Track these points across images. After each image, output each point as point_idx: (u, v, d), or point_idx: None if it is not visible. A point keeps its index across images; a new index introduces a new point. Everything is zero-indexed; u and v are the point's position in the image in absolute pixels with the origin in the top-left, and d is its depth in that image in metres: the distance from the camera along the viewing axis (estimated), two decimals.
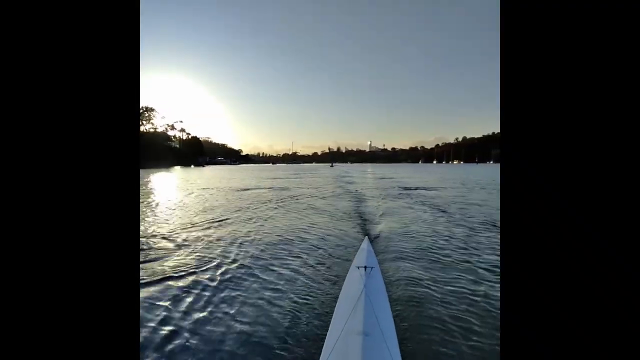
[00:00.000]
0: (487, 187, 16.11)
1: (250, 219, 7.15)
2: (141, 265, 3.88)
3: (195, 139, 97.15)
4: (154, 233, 5.69)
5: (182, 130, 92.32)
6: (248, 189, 15.03)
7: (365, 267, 2.47)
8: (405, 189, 14.99)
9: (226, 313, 2.63)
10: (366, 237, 4.36)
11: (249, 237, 5.43)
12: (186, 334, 2.33)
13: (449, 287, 3.15)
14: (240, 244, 4.96)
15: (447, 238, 5.32)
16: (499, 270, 3.50)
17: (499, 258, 3.94)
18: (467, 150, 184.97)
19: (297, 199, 10.84)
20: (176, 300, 2.91)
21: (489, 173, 34.30)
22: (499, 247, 4.49)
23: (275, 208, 8.81)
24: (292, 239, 5.27)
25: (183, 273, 3.59)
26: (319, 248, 4.68)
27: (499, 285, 3.03)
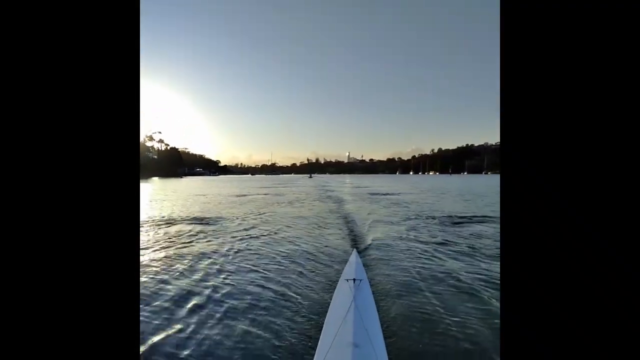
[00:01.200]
0: (443, 192, 19.82)
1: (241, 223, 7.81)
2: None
3: (174, 149, 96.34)
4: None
5: (161, 141, 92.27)
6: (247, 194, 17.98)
7: (354, 279, 2.50)
8: (375, 194, 18.10)
9: (213, 325, 2.60)
10: (354, 249, 4.32)
11: (235, 244, 5.54)
12: (175, 342, 2.34)
13: (438, 297, 3.13)
14: (228, 251, 5.05)
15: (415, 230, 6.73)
16: (482, 275, 3.84)
17: (473, 259, 4.58)
18: (442, 162, 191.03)
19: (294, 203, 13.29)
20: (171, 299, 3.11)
21: (454, 182, 39.43)
22: (466, 241, 5.64)
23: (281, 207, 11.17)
24: (279, 247, 5.44)
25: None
26: (306, 256, 4.74)
27: (485, 291, 3.28)
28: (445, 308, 2.90)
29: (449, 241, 5.61)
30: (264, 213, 9.61)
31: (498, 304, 2.84)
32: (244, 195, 17.22)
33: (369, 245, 5.31)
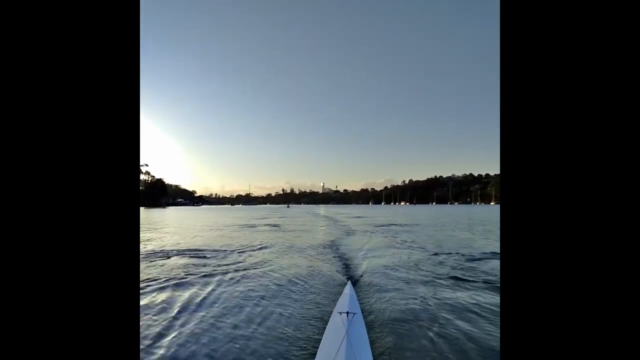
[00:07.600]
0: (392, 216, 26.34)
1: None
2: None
3: (160, 181, 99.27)
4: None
5: (147, 173, 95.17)
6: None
7: (347, 312, 2.44)
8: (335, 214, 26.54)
9: (200, 342, 2.56)
10: (349, 281, 4.19)
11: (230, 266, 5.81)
12: None
13: (435, 332, 2.93)
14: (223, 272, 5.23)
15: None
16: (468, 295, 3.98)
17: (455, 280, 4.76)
18: (412, 192, 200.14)
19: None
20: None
21: (411, 210, 45.34)
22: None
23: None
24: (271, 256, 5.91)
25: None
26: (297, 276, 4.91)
27: (478, 318, 3.22)
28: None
29: None
30: None
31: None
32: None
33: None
